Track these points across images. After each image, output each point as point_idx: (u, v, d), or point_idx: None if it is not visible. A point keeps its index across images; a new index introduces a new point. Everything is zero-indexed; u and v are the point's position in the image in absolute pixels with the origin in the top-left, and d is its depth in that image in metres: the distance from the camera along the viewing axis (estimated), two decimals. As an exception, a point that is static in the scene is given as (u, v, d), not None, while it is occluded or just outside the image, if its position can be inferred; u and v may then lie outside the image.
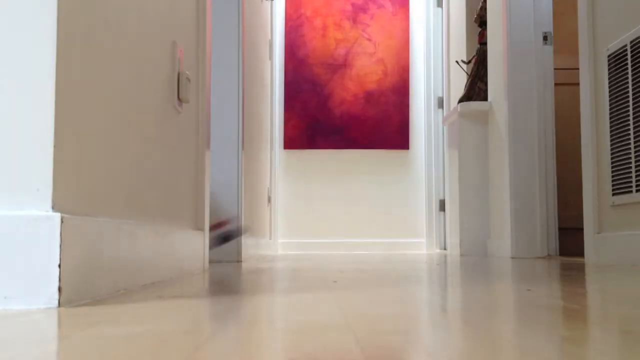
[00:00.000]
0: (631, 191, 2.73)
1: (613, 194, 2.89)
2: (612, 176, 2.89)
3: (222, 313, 0.94)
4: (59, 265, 0.98)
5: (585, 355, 0.61)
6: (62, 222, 0.99)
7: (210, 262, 2.90)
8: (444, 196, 5.66)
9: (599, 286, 1.51)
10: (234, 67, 3.09)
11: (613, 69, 2.90)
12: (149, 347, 0.64)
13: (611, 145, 2.90)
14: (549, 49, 4.08)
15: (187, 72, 1.97)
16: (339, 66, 5.86)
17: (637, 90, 2.69)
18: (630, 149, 2.74)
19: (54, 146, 1.01)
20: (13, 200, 1.00)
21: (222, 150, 3.05)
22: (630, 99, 2.73)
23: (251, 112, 3.73)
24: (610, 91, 2.92)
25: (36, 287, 0.97)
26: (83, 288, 1.07)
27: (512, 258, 3.70)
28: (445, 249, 5.60)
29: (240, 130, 3.10)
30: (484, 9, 4.53)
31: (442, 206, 5.70)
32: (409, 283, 1.56)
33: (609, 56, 2.94)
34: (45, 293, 0.97)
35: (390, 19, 5.91)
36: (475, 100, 4.51)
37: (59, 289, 0.97)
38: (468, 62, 4.73)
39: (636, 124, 2.69)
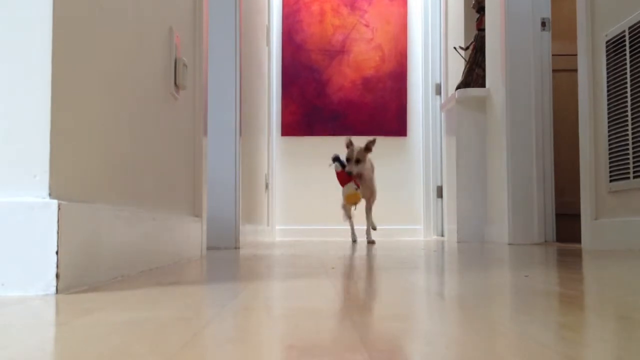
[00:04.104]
0: (628, 177, 2.73)
1: (610, 180, 2.89)
2: (610, 162, 2.89)
3: (220, 299, 0.94)
4: (57, 252, 0.98)
5: (582, 340, 0.61)
6: (59, 208, 0.98)
7: (208, 248, 2.90)
8: (441, 183, 5.66)
9: (595, 272, 1.52)
10: (231, 53, 3.08)
11: (611, 55, 2.90)
12: (147, 333, 0.64)
13: (609, 131, 2.90)
14: (547, 35, 4.06)
15: (184, 59, 1.96)
16: (337, 52, 5.84)
17: (635, 76, 2.69)
18: (627, 135, 2.74)
19: (51, 133, 1.01)
20: (11, 187, 1.00)
21: (220, 136, 3.05)
22: (628, 85, 2.73)
23: (248, 99, 3.72)
24: (608, 77, 2.92)
25: (34, 274, 0.97)
26: (81, 275, 1.07)
27: (509, 244, 3.71)
28: (442, 235, 5.61)
29: (237, 117, 3.10)
30: (482, -6, 4.51)
31: (439, 193, 5.71)
32: (407, 269, 1.56)
33: (607, 42, 2.93)
34: (43, 280, 0.97)
35: (388, 5, 5.89)
36: (473, 86, 4.50)
37: (57, 276, 0.97)
38: (466, 49, 4.72)
39: (634, 110, 2.69)
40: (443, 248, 3.12)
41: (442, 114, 5.29)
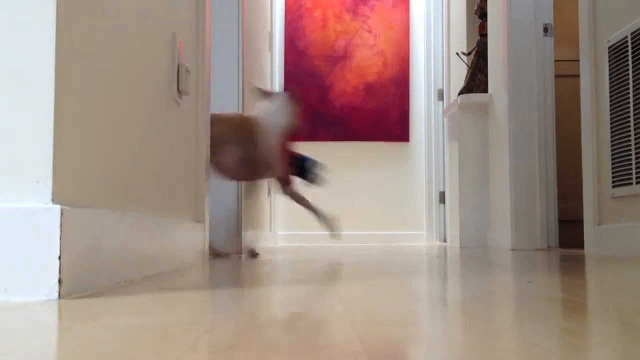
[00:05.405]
0: (631, 183, 2.73)
1: (613, 186, 2.89)
2: (612, 168, 2.89)
3: (222, 305, 0.94)
4: (59, 257, 0.98)
5: (585, 346, 0.61)
6: (62, 214, 0.99)
7: (210, 254, 2.90)
8: (444, 188, 5.66)
9: (598, 278, 1.52)
10: (234, 58, 3.08)
11: (613, 60, 2.90)
12: (149, 339, 0.64)
13: (611, 137, 2.90)
14: (549, 40, 4.07)
15: (186, 64, 1.96)
16: (339, 58, 5.85)
17: (638, 81, 2.69)
18: (630, 140, 2.73)
19: (54, 139, 1.01)
20: (13, 192, 1.00)
21: (222, 142, 3.04)
22: (631, 90, 2.73)
23: (251, 104, 3.72)
24: (610, 83, 2.92)
25: (36, 279, 0.97)
26: (83, 280, 1.07)
27: (512, 250, 3.71)
28: (445, 241, 5.60)
29: (240, 122, 3.09)
30: (484, 0, 4.52)
31: (442, 198, 5.70)
32: (409, 275, 1.56)
33: (609, 48, 2.93)
34: (46, 285, 0.97)
35: (390, 10, 5.90)
36: (475, 92, 4.51)
37: (59, 281, 0.97)
38: (468, 54, 4.72)
39: (636, 116, 2.69)
40: (445, 253, 3.12)
41: (445, 119, 5.29)
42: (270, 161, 2.66)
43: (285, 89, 2.79)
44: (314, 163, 2.92)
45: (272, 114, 2.69)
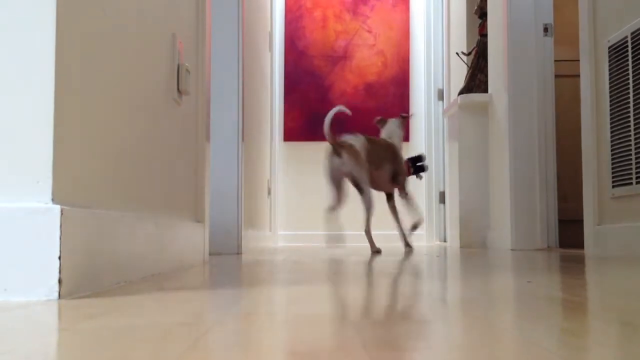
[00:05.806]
0: (631, 183, 2.73)
1: (613, 186, 2.89)
2: (612, 168, 2.89)
3: (223, 305, 0.94)
4: (59, 257, 0.98)
5: (585, 346, 0.61)
6: (62, 214, 0.99)
7: (210, 254, 2.90)
8: (444, 188, 5.66)
9: (598, 278, 1.52)
10: (234, 58, 3.08)
11: (614, 60, 2.90)
12: (149, 339, 0.64)
13: (611, 137, 2.90)
14: (549, 40, 4.07)
15: (186, 64, 1.96)
16: (339, 58, 5.85)
17: (638, 81, 2.69)
18: (630, 140, 2.73)
19: (54, 139, 1.01)
20: (13, 192, 1.00)
21: (222, 142, 3.05)
22: (631, 90, 2.73)
23: (251, 104, 3.72)
24: (610, 83, 2.92)
25: (36, 279, 0.97)
26: (83, 280, 1.07)
27: (512, 250, 3.71)
28: (445, 241, 5.60)
29: (239, 122, 3.10)
30: (484, 0, 4.52)
31: (442, 198, 5.70)
32: (409, 275, 1.56)
33: (609, 48, 2.93)
34: (46, 285, 0.97)
35: (390, 10, 5.90)
36: (475, 92, 4.51)
37: (59, 281, 0.97)
38: (468, 54, 4.72)
39: (636, 116, 2.69)
40: (445, 254, 3.12)
41: (445, 119, 5.29)
42: (402, 173, 3.53)
43: (399, 115, 3.70)
44: (417, 158, 3.66)
45: (391, 136, 3.57)
